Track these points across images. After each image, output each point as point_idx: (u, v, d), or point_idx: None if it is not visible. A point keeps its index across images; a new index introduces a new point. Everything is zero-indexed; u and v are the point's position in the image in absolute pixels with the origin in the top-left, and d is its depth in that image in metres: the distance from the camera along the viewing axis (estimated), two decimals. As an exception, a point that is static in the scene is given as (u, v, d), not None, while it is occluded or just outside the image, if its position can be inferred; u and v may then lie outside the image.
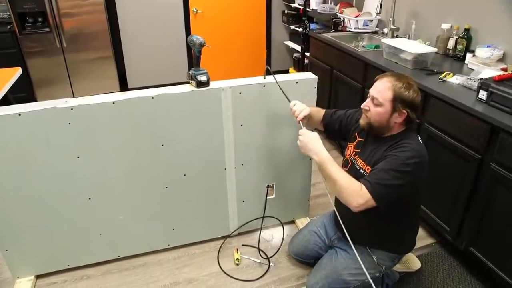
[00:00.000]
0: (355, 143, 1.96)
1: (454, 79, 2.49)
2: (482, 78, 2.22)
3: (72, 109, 1.96)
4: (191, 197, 2.41)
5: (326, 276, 1.99)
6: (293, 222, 2.78)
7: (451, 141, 2.30)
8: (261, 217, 2.62)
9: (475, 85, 2.32)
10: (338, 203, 1.92)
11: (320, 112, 2.11)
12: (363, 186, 1.63)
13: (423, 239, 2.64)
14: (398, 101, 1.69)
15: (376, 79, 1.78)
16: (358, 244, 1.89)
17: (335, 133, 2.10)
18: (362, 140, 1.92)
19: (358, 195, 1.62)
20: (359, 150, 1.91)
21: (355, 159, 1.91)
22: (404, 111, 1.70)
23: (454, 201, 2.33)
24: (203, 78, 2.14)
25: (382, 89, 1.71)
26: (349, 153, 1.98)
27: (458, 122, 2.23)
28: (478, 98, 2.19)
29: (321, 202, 3.02)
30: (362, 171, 1.83)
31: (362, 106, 1.79)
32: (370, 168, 1.78)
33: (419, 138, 1.79)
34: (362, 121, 1.82)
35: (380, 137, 1.80)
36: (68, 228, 2.24)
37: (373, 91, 1.75)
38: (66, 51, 4.44)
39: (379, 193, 1.62)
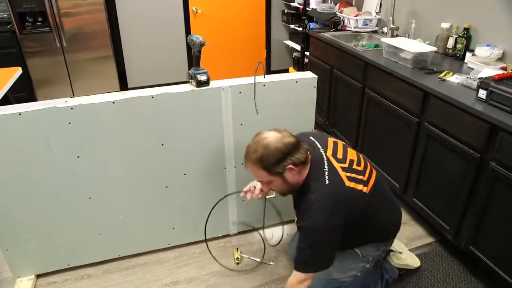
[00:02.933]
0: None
1: (454, 78, 2.49)
2: (481, 77, 2.22)
3: (72, 108, 1.96)
4: (191, 197, 2.41)
5: (318, 279, 1.95)
6: (293, 221, 2.77)
7: (450, 140, 2.30)
8: (261, 217, 2.63)
9: (474, 84, 2.32)
10: None
11: None
12: (293, 274, 1.64)
13: (422, 238, 2.64)
14: (271, 168, 1.64)
15: (244, 165, 1.76)
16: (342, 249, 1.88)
17: None
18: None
19: (296, 281, 1.64)
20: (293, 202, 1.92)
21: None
22: (288, 166, 1.65)
23: (454, 200, 2.33)
24: (203, 78, 2.14)
25: (254, 172, 1.69)
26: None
27: (457, 121, 2.23)
28: (478, 97, 2.18)
29: None
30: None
31: (264, 191, 1.81)
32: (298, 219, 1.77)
33: (325, 171, 1.69)
34: (281, 195, 1.82)
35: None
36: (69, 228, 2.25)
37: (255, 178, 1.75)
38: (66, 51, 4.44)
39: (309, 266, 1.62)
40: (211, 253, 2.49)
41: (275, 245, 2.57)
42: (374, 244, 1.90)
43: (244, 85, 2.20)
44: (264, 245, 2.58)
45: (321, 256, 1.61)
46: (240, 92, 2.20)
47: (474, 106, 2.12)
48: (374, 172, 1.83)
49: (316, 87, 2.33)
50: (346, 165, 1.73)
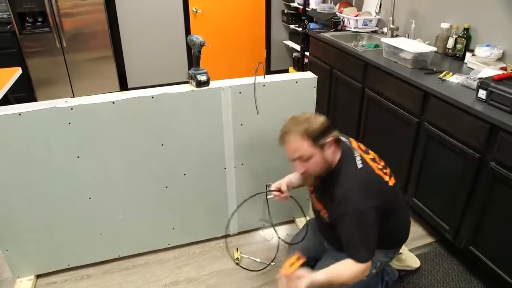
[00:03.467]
0: (312, 189, 1.95)
1: (454, 78, 2.50)
2: (481, 77, 2.23)
3: (72, 108, 1.97)
4: (191, 197, 2.42)
5: None
6: (292, 221, 2.79)
7: (450, 140, 2.31)
8: (261, 218, 2.65)
9: (474, 84, 2.32)
10: (316, 215, 2.00)
11: None
12: (355, 262, 1.62)
13: (422, 238, 2.64)
14: (316, 139, 1.64)
15: (282, 143, 1.72)
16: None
17: None
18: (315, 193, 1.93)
19: (361, 273, 1.62)
20: (315, 195, 1.92)
21: (317, 206, 1.91)
22: (329, 140, 1.67)
23: (454, 200, 2.33)
24: (203, 78, 2.14)
25: (296, 146, 1.65)
26: (314, 201, 1.97)
27: (457, 121, 2.23)
28: (478, 97, 2.19)
29: None
30: (322, 215, 1.84)
31: (298, 172, 1.73)
32: (325, 212, 1.78)
33: (356, 157, 1.73)
34: (308, 182, 1.78)
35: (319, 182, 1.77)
36: (68, 228, 2.25)
37: (292, 154, 1.69)
38: (66, 51, 4.44)
39: (367, 255, 1.62)
40: (228, 250, 2.49)
41: (275, 245, 2.56)
42: (384, 250, 1.91)
43: (244, 85, 2.21)
44: (264, 245, 2.58)
45: (372, 241, 1.61)
46: (240, 93, 2.21)
47: (474, 106, 2.13)
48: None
49: (316, 87, 2.34)
50: (371, 157, 1.78)
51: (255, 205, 2.60)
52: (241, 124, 2.30)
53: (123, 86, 5.01)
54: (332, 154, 1.69)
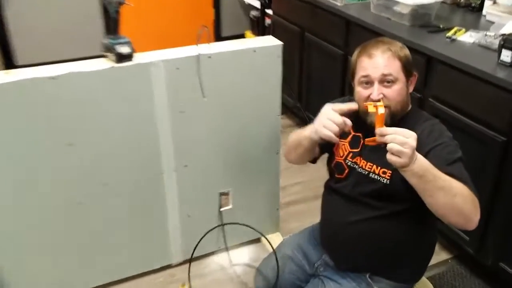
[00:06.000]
0: (348, 140, 1.98)
1: (467, 37, 2.54)
2: (505, 34, 2.27)
3: None
4: (116, 215, 2.40)
5: None
6: (259, 240, 2.81)
7: (464, 120, 2.34)
8: (214, 239, 2.64)
9: (496, 43, 2.34)
10: (330, 212, 2.01)
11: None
12: (470, 191, 1.66)
13: (436, 254, 2.55)
14: (408, 65, 1.82)
15: (366, 55, 1.82)
16: (355, 270, 1.95)
17: (328, 147, 2.05)
18: (359, 135, 1.94)
19: (476, 205, 1.65)
20: (358, 150, 1.94)
21: (356, 162, 1.93)
22: (415, 73, 1.87)
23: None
24: (124, 49, 2.16)
25: (387, 62, 1.79)
26: (341, 154, 1.98)
27: (473, 95, 2.27)
28: (501, 60, 2.23)
29: (295, 211, 3.07)
30: (375, 176, 1.85)
31: (374, 97, 1.77)
32: (389, 172, 1.80)
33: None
34: (373, 118, 1.76)
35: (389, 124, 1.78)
36: None
37: (378, 69, 1.79)
38: None
39: (476, 192, 1.67)
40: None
41: (235, 276, 2.57)
42: (398, 284, 1.97)
43: (183, 59, 2.22)
44: (220, 275, 2.59)
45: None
46: (177, 69, 2.23)
47: (495, 73, 2.16)
48: None
49: (281, 58, 2.38)
50: None
51: (206, 221, 2.60)
52: (182, 112, 2.32)
53: (9, 64, 4.86)
54: (410, 91, 1.88)
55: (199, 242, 2.44)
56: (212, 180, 2.53)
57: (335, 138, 1.73)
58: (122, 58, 2.15)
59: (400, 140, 1.52)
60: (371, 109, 1.67)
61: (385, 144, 1.56)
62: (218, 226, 2.59)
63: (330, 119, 1.72)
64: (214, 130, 2.41)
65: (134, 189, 2.39)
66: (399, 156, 1.52)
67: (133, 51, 2.18)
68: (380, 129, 1.56)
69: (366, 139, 1.67)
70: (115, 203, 2.38)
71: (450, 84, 2.40)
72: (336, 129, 1.72)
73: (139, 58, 2.19)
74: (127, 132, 2.26)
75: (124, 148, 2.29)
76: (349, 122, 1.75)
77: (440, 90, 2.47)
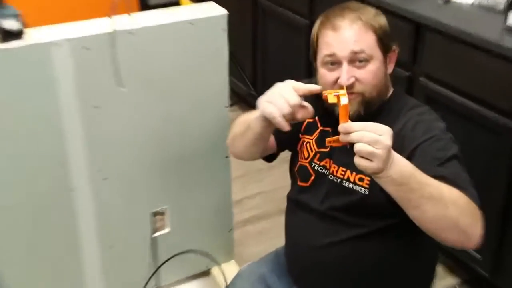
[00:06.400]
0: (314, 136, 1.85)
1: (464, -4, 2.56)
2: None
3: None
4: (9, 248, 2.18)
5: None
6: (207, 273, 2.61)
7: (467, 104, 2.30)
8: (149, 272, 2.43)
9: (501, 2, 2.33)
10: (295, 233, 1.90)
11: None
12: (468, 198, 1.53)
13: (440, 278, 2.47)
14: (383, 39, 1.70)
15: (322, 29, 1.72)
16: None
17: (286, 141, 1.96)
18: (328, 130, 1.81)
19: (477, 217, 1.50)
20: (327, 150, 1.80)
21: (325, 166, 1.81)
22: (394, 47, 1.77)
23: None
24: (10, 24, 1.93)
25: (358, 35, 1.66)
26: (306, 155, 1.87)
27: (476, 71, 2.24)
28: (508, 25, 2.18)
29: (254, 232, 3.00)
30: (350, 184, 1.74)
31: (343, 81, 1.64)
32: (367, 178, 1.69)
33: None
34: (350, 107, 1.65)
35: (364, 116, 1.67)
36: None
37: (347, 44, 1.66)
38: None
39: (476, 194, 1.54)
40: None
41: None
42: None
43: (94, 37, 2.02)
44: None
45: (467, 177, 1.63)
46: (87, 49, 2.02)
47: (502, 41, 2.12)
48: None
49: (227, 31, 2.24)
50: None
51: (134, 252, 2.40)
52: (96, 107, 2.10)
53: None
54: (389, 72, 1.77)
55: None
56: (142, 196, 2.32)
57: (282, 122, 1.55)
58: (8, 36, 1.92)
59: (370, 138, 1.35)
60: (331, 99, 1.52)
61: (352, 144, 1.40)
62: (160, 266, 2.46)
63: (283, 95, 1.56)
64: (142, 130, 2.22)
65: (32, 215, 2.16)
66: (370, 160, 1.36)
67: (24, 26, 1.96)
68: (343, 125, 1.40)
69: (327, 139, 1.53)
70: (6, 236, 2.16)
71: (446, 58, 2.36)
72: (286, 110, 1.54)
73: (34, 36, 1.98)
74: (20, 136, 2.06)
75: (15, 158, 2.07)
76: (310, 107, 1.63)
77: (433, 66, 2.43)
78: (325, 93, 1.53)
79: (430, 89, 2.43)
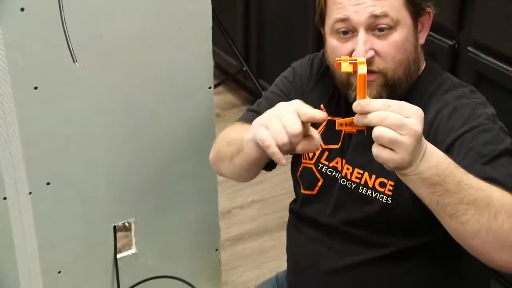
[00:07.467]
0: (321, 130, 1.71)
1: None
2: None
3: None
4: None
5: None
6: None
7: None
8: None
9: None
10: (299, 254, 1.82)
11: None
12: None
13: None
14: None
15: None
16: None
17: None
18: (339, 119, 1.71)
19: None
20: (337, 146, 1.71)
21: (335, 168, 1.72)
22: (429, 11, 1.66)
23: None
24: None
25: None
26: (311, 154, 1.77)
27: None
28: None
29: (247, 252, 2.96)
30: (368, 191, 1.64)
31: (359, 54, 1.53)
32: (390, 182, 1.59)
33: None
34: (369, 91, 1.51)
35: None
36: None
37: (364, 5, 1.55)
38: None
39: None
40: None
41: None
42: None
43: None
44: None
45: None
46: (22, 10, 1.94)
47: None
48: None
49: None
50: None
51: (91, 279, 2.33)
52: (35, 88, 2.03)
53: None
54: (421, 51, 1.68)
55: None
56: (100, 206, 2.24)
57: (277, 154, 1.38)
58: None
59: (394, 121, 1.21)
60: (345, 68, 1.36)
61: (370, 129, 1.28)
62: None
63: (281, 120, 1.38)
64: (98, 118, 2.13)
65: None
66: (393, 150, 1.22)
67: None
68: (360, 102, 1.26)
69: (338, 121, 1.37)
70: None
71: (503, 22, 2.23)
72: (283, 140, 1.36)
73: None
74: None
75: None
76: (317, 139, 1.44)
77: (486, 33, 2.30)
78: (337, 60, 1.39)
79: (481, 62, 2.33)
